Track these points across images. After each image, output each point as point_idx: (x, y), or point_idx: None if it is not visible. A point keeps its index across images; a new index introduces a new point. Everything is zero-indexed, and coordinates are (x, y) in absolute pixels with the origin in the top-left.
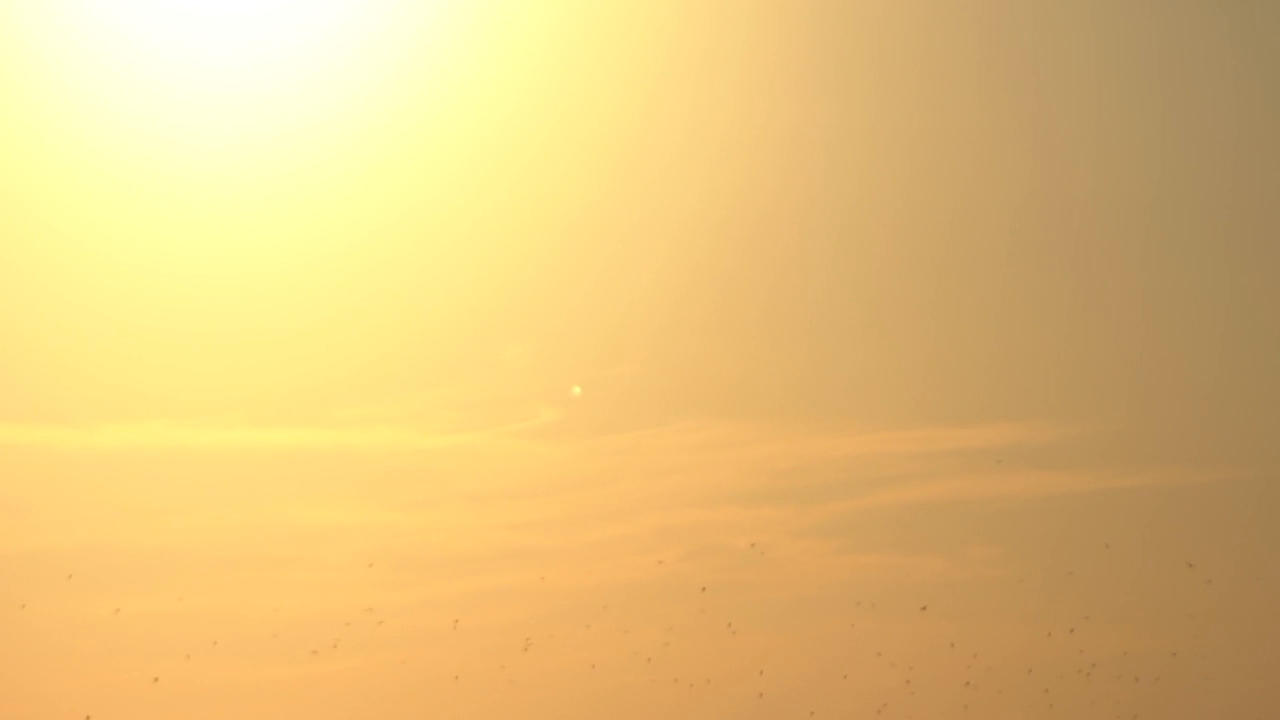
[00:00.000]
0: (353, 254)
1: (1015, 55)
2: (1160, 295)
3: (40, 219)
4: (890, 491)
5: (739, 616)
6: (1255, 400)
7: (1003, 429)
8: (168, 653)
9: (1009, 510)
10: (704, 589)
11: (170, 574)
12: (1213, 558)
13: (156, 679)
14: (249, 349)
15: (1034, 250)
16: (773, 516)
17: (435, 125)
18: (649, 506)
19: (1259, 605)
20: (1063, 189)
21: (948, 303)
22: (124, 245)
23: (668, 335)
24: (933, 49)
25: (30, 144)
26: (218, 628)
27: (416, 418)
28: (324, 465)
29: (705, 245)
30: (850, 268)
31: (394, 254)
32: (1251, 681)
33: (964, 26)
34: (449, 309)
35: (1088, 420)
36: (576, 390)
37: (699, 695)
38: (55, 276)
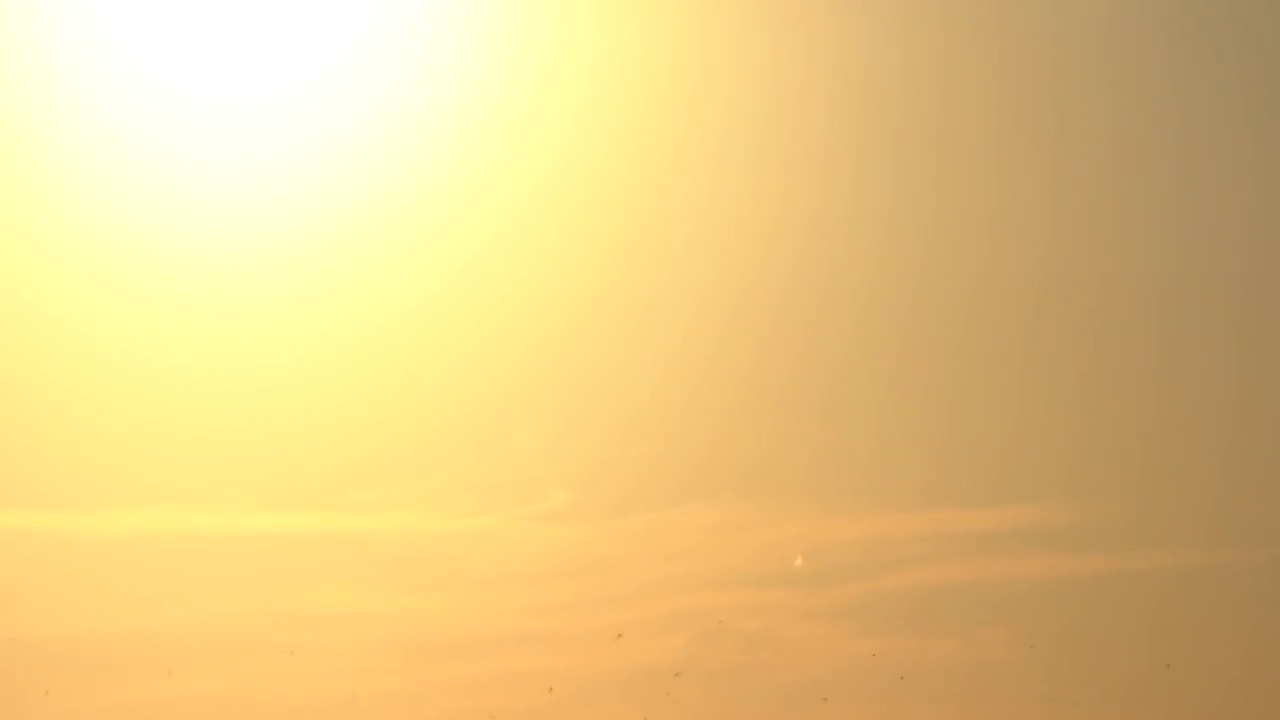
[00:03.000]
0: (364, 337)
1: (1032, 136)
2: (1175, 377)
3: (48, 307)
4: (903, 574)
5: (751, 700)
6: (1270, 482)
7: (1016, 511)
8: None
9: (1022, 592)
10: (717, 672)
11: (180, 660)
12: (1226, 639)
13: None
14: (259, 433)
15: (1049, 332)
16: (785, 599)
17: (448, 209)
18: (661, 590)
19: (1273, 684)
20: (1078, 271)
21: (961, 384)
22: (132, 332)
23: (681, 418)
24: (949, 131)
25: (38, 232)
26: (229, 714)
27: (428, 501)
28: (334, 550)
29: (720, 328)
30: (865, 350)
31: (406, 338)
32: None
33: (981, 108)
34: (461, 391)
35: (1101, 502)
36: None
37: None
38: (63, 363)
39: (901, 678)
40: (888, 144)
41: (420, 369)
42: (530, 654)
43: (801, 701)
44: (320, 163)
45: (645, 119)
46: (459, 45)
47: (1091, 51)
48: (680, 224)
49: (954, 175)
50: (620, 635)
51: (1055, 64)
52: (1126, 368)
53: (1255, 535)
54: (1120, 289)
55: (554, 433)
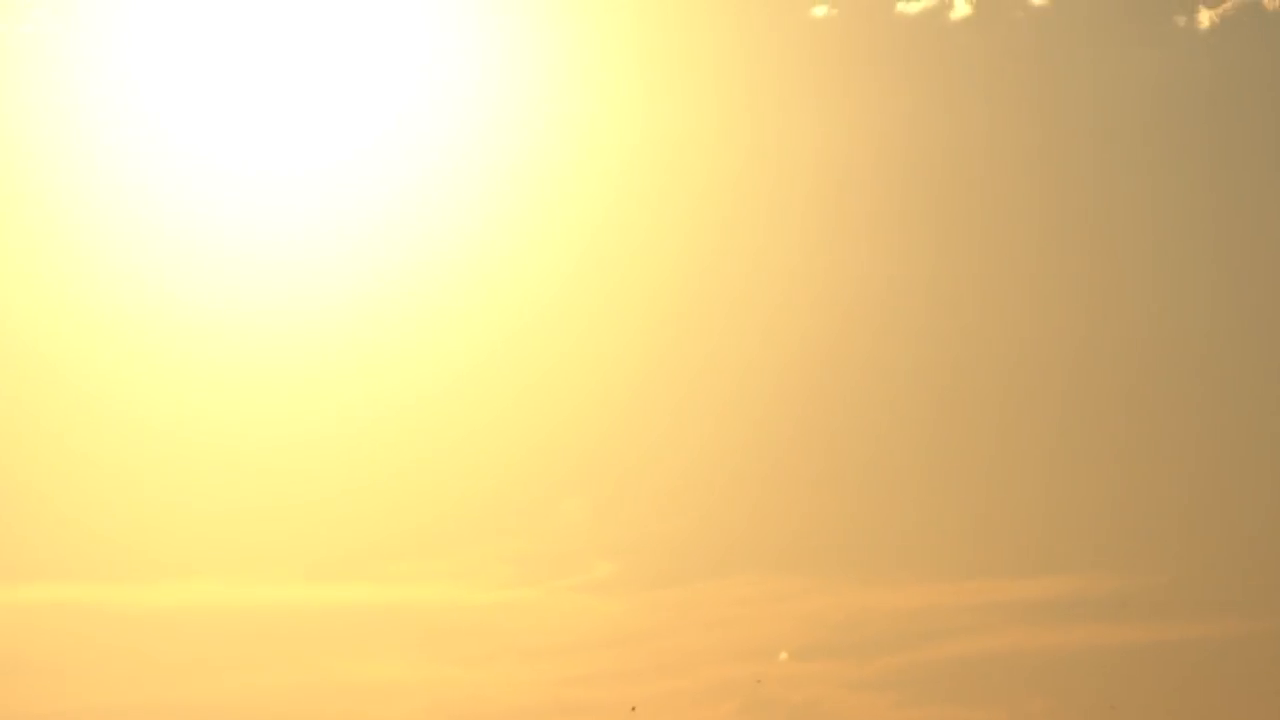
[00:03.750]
0: (407, 411)
1: (1073, 205)
2: (1215, 449)
3: (95, 384)
4: (947, 644)
5: None
6: None
7: (1058, 580)
8: None
9: (1066, 661)
10: None
11: None
12: (1268, 707)
13: None
14: (303, 506)
15: (1089, 404)
16: (829, 670)
17: (492, 280)
18: (705, 660)
19: None
20: (1118, 340)
21: (1002, 456)
22: (176, 409)
23: (723, 490)
24: (991, 202)
25: (85, 307)
26: None
27: (471, 573)
28: (377, 621)
29: (762, 401)
30: (906, 422)
31: (449, 412)
32: None
33: (1024, 179)
34: (504, 464)
35: (1143, 572)
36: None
37: None
38: (108, 440)
39: None
40: (931, 216)
41: (463, 442)
42: None
43: None
44: (363, 238)
45: (691, 189)
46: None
47: (1131, 124)
48: (722, 298)
49: (996, 247)
50: (634, 708)
51: (1095, 135)
52: (1166, 439)
53: None
54: (1161, 360)
55: (597, 504)
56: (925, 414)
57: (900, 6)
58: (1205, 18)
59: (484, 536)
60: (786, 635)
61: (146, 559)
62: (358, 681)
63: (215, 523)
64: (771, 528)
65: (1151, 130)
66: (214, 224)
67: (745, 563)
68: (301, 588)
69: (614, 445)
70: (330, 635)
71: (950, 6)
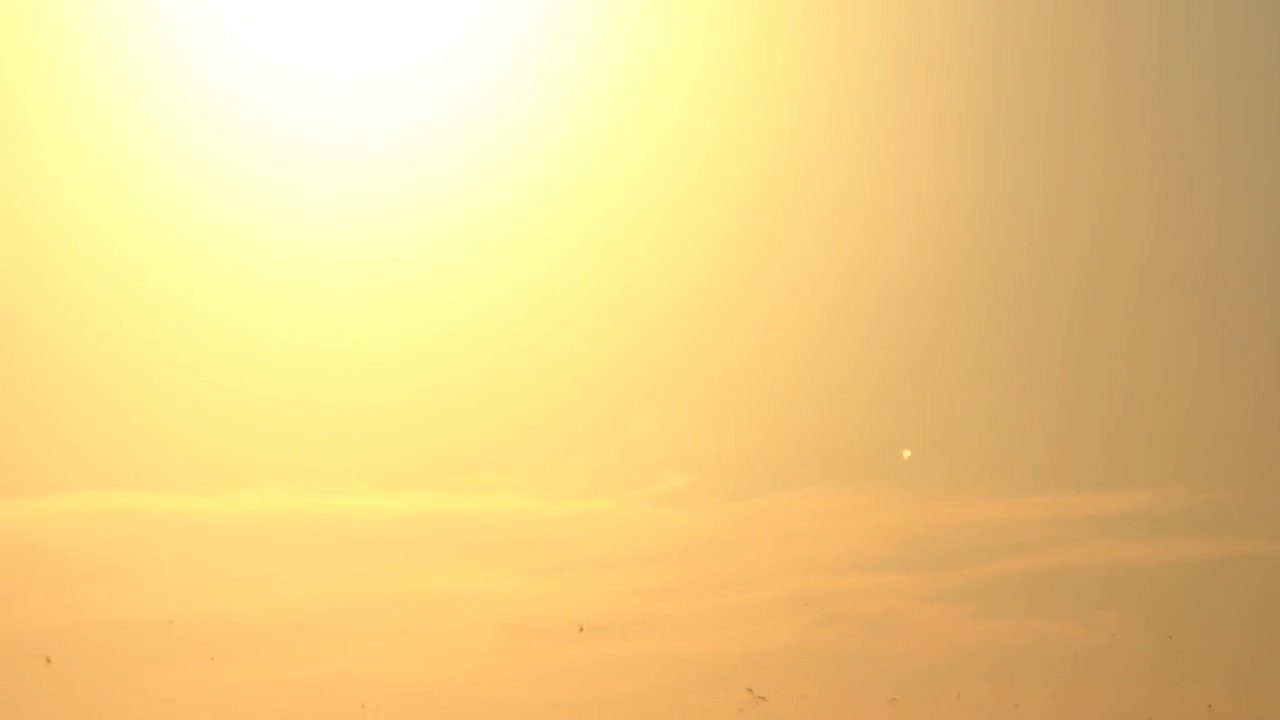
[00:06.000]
0: (480, 320)
1: (1140, 116)
2: None
3: (169, 292)
4: (1023, 557)
5: (871, 683)
6: None
7: (1135, 494)
8: (288, 717)
9: (1145, 576)
10: (836, 655)
11: (291, 641)
12: None
13: None
14: (373, 415)
15: (1164, 314)
16: (904, 582)
17: (565, 189)
18: (779, 572)
19: None
20: (1192, 250)
21: (1078, 366)
22: (248, 315)
23: (797, 400)
24: (1059, 113)
25: (161, 216)
26: (340, 694)
27: (543, 484)
28: (448, 532)
29: (835, 311)
30: (979, 333)
31: (522, 320)
32: None
33: (1089, 91)
34: (577, 374)
35: (1223, 486)
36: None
37: None
38: (178, 346)
39: (1025, 659)
40: (1000, 129)
41: (535, 351)
42: (646, 636)
43: (922, 684)
44: (435, 145)
45: (761, 101)
46: (569, 29)
47: (1200, 32)
48: (795, 208)
49: (1064, 157)
50: (581, 628)
51: (1161, 45)
52: (1245, 350)
53: None
54: (1238, 269)
55: (670, 416)
56: (999, 325)
57: None
58: None
59: (555, 448)
60: (859, 548)
61: (215, 468)
62: (426, 592)
63: (285, 433)
64: (843, 441)
65: (1224, 30)
66: (286, 126)
67: (817, 476)
68: (371, 498)
69: (686, 357)
70: (399, 546)
71: None
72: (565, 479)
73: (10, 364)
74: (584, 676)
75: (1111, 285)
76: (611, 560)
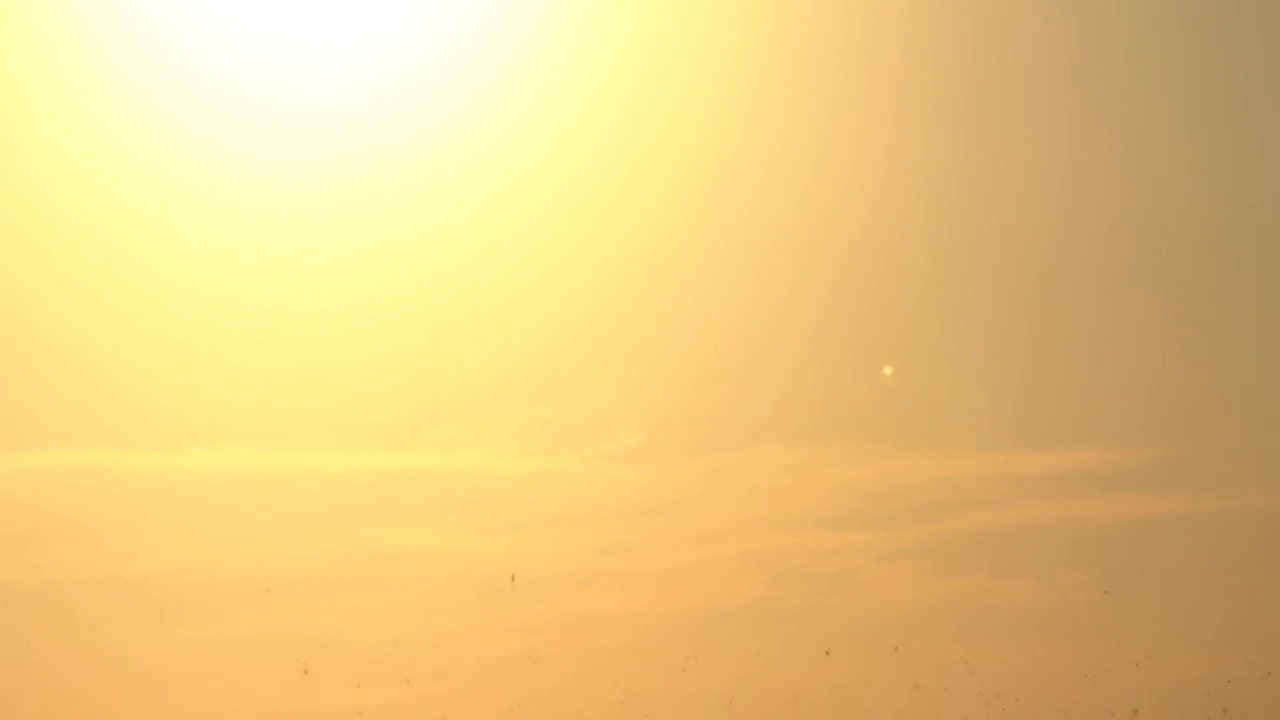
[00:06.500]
0: (439, 278)
1: (1104, 82)
2: (1249, 318)
3: (127, 249)
4: (979, 514)
5: (826, 641)
6: None
7: (1091, 453)
8: (250, 679)
9: (1099, 534)
10: (793, 612)
11: (253, 598)
12: None
13: (239, 707)
14: (334, 373)
15: (1123, 274)
16: (861, 540)
17: (522, 152)
18: (736, 530)
19: None
20: (1151, 214)
21: (1036, 326)
22: (209, 272)
23: (755, 359)
24: (1023, 75)
25: (116, 175)
26: (302, 653)
27: (501, 441)
28: (408, 489)
29: (793, 269)
30: (939, 292)
31: (481, 279)
32: None
33: (1053, 55)
34: (535, 332)
35: (1177, 443)
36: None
37: (782, 719)
38: (139, 304)
39: (980, 617)
40: (961, 91)
41: (495, 310)
42: (603, 594)
43: (877, 642)
44: (397, 105)
45: (719, 64)
46: None
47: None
48: (755, 167)
49: (1025, 122)
50: (514, 578)
51: (1126, 13)
52: (1202, 309)
53: None
54: (1196, 231)
55: (627, 374)
56: (959, 285)
57: None
58: None
59: (514, 406)
60: (816, 506)
61: (177, 425)
62: (387, 549)
63: (245, 389)
64: (801, 398)
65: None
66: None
67: (774, 433)
68: (330, 456)
69: (644, 316)
70: (358, 503)
71: None
72: (524, 437)
73: None
74: (539, 634)
75: (1071, 246)
76: (568, 518)
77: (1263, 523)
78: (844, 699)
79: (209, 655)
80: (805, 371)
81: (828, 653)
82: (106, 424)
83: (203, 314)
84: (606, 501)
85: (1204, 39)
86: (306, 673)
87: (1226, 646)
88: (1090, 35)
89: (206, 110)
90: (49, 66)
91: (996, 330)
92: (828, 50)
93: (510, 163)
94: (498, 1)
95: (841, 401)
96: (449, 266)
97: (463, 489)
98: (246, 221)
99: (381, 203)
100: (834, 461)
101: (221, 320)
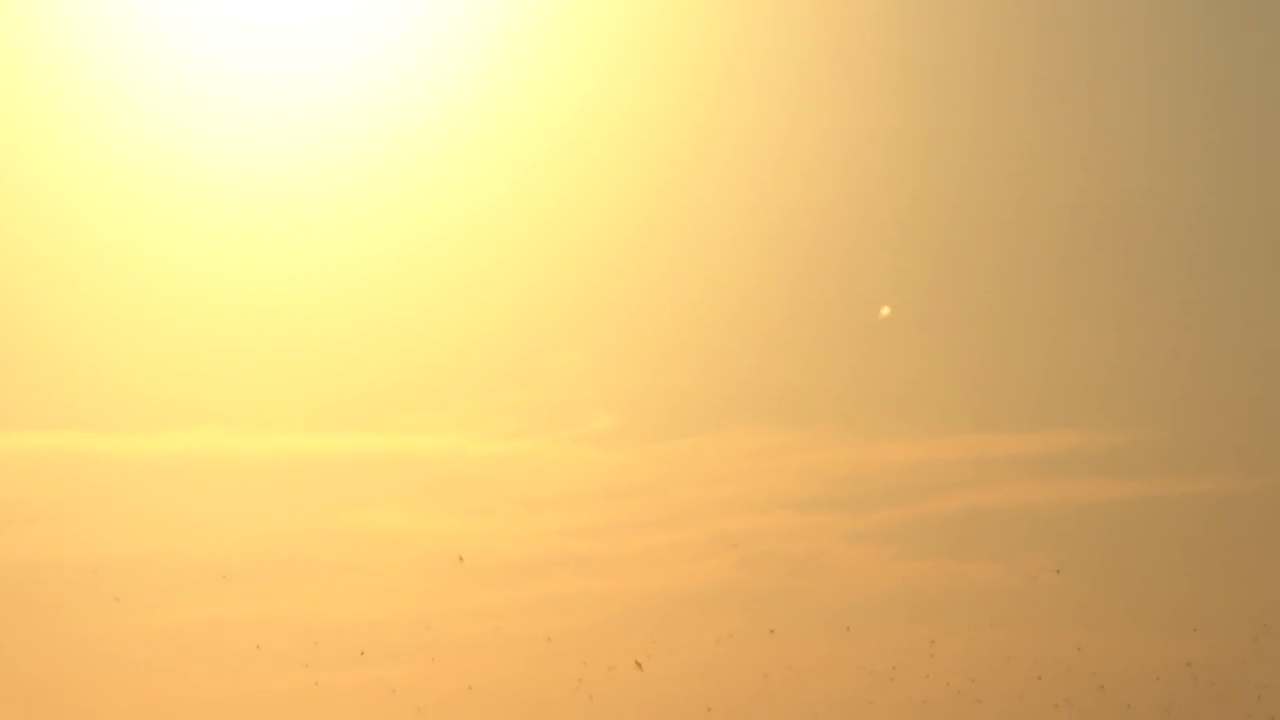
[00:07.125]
0: (409, 260)
1: (1069, 62)
2: (1216, 303)
3: (96, 231)
4: (946, 498)
5: (794, 623)
6: None
7: (1058, 435)
8: (216, 660)
9: (1065, 517)
10: (761, 594)
11: (224, 581)
12: (1264, 566)
13: (206, 688)
14: (304, 356)
15: (1088, 256)
16: (830, 522)
17: (491, 132)
18: (705, 512)
19: None
20: (1117, 196)
21: (1002, 309)
22: (178, 254)
23: (723, 341)
24: (989, 56)
25: (86, 155)
26: (267, 634)
27: (471, 424)
28: (377, 471)
29: (761, 252)
30: (906, 274)
31: (450, 261)
32: None
33: (1021, 34)
34: (504, 314)
35: (1144, 426)
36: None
37: (750, 701)
38: (108, 286)
39: (945, 600)
40: (928, 69)
41: (464, 292)
42: (573, 576)
43: (845, 623)
44: (367, 85)
45: (686, 43)
46: None
47: None
48: (721, 148)
49: (994, 100)
50: (461, 558)
51: None
52: (1166, 292)
53: None
54: (1161, 212)
55: (598, 356)
56: (924, 267)
57: None
58: None
59: (484, 388)
60: (785, 489)
61: (147, 408)
62: (356, 531)
63: (217, 374)
64: (771, 381)
65: None
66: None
67: (744, 417)
68: (301, 437)
69: (614, 298)
70: (329, 486)
71: None
72: (493, 419)
73: None
74: (512, 614)
75: (1038, 225)
76: (538, 500)
77: (1230, 506)
78: (807, 681)
79: (185, 640)
80: (774, 355)
81: (792, 635)
82: (71, 406)
83: (170, 296)
84: (577, 484)
85: (1167, 19)
86: (260, 650)
87: (1187, 631)
88: (1054, 16)
89: (173, 94)
90: (12, 45)
91: (962, 314)
92: (792, 32)
93: (478, 145)
94: None
95: (810, 385)
96: (418, 250)
97: (432, 471)
98: (216, 206)
99: (350, 187)
100: (803, 445)
101: (189, 303)
